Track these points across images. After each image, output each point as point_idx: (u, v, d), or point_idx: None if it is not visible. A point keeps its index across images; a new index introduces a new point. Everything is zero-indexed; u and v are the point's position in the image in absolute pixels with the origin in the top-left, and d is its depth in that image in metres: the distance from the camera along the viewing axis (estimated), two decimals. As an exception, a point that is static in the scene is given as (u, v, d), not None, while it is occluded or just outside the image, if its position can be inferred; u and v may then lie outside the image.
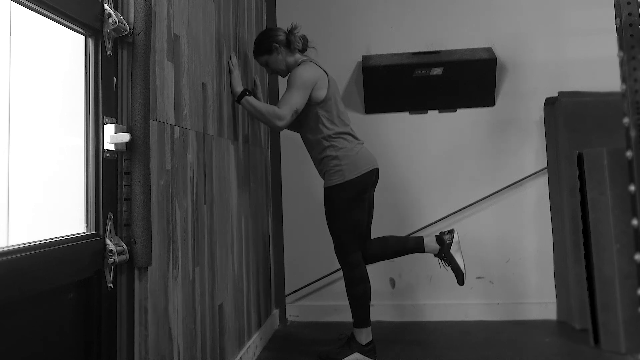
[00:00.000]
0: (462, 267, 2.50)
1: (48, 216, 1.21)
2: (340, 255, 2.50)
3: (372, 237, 2.67)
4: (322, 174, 2.53)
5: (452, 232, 2.54)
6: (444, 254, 2.52)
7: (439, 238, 2.53)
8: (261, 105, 2.39)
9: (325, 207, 2.52)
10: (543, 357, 2.51)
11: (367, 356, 2.45)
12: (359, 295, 2.48)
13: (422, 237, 2.58)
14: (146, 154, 1.39)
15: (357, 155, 2.46)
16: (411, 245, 2.57)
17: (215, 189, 2.10)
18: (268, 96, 3.14)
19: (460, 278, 2.51)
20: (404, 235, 2.95)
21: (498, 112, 3.21)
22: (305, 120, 2.50)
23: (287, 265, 3.22)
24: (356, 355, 2.44)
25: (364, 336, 2.47)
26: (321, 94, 2.45)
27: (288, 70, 2.55)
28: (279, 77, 2.83)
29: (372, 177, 2.50)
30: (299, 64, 2.51)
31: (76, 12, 1.21)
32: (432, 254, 2.58)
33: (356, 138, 2.53)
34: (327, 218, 2.52)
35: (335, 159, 2.45)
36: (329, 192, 2.48)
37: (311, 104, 2.44)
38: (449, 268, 2.54)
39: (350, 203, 2.46)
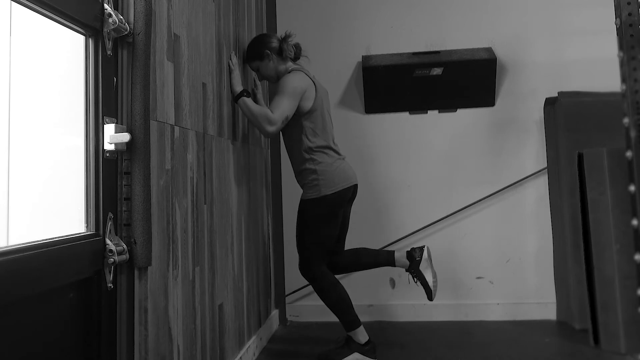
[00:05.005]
0: (430, 283, 2.54)
1: (48, 216, 1.21)
2: (305, 269, 2.51)
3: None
4: (301, 185, 2.53)
5: (422, 248, 2.58)
6: (414, 270, 2.56)
7: (410, 254, 2.57)
8: (255, 107, 2.35)
9: (297, 219, 2.53)
10: (543, 357, 2.50)
11: (366, 356, 2.46)
12: (336, 302, 2.48)
13: (394, 251, 2.61)
14: (146, 154, 1.39)
15: (335, 171, 2.46)
16: (382, 259, 2.62)
17: (215, 189, 2.10)
18: (268, 96, 3.14)
19: (429, 294, 2.55)
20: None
21: (498, 112, 3.21)
22: (288, 129, 2.50)
23: (287, 265, 3.22)
24: (356, 355, 2.45)
25: (361, 336, 2.47)
26: (307, 104, 2.44)
27: (278, 78, 2.53)
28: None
29: (348, 193, 2.50)
30: (289, 72, 2.50)
31: (76, 12, 1.21)
32: (403, 269, 2.62)
33: (338, 153, 2.53)
34: (297, 230, 2.54)
35: (313, 172, 2.45)
36: (303, 205, 2.50)
37: (296, 113, 2.44)
38: (418, 283, 2.58)
39: (323, 218, 2.47)
